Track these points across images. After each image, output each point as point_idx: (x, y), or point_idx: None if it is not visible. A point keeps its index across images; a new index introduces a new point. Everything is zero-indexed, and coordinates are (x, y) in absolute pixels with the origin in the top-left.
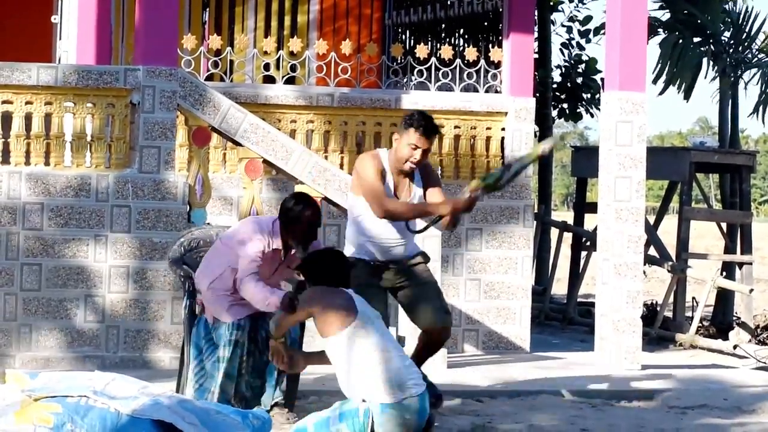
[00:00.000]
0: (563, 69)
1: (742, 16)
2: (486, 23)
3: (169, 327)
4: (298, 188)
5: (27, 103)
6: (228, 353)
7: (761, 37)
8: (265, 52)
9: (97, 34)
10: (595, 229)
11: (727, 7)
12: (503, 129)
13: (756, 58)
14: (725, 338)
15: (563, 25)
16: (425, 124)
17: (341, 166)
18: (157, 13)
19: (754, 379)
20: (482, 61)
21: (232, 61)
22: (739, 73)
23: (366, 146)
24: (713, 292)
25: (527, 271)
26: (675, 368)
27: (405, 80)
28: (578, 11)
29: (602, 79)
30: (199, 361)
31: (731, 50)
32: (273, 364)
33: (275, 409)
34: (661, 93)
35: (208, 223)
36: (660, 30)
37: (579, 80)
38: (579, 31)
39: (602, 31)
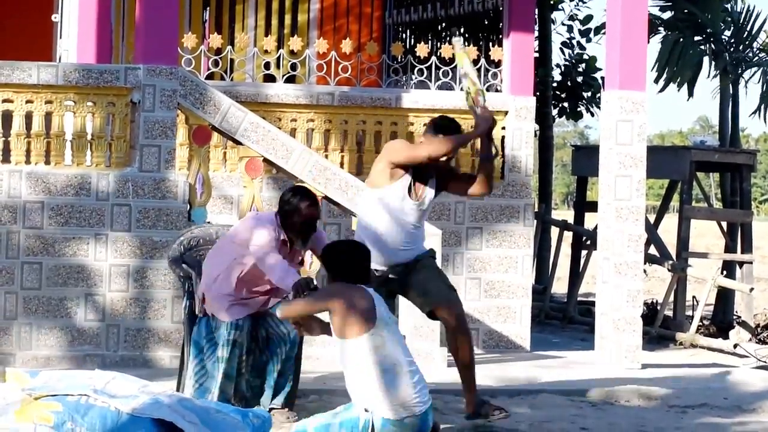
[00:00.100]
0: (563, 68)
1: (742, 15)
2: (486, 22)
3: (169, 326)
4: None
5: (27, 101)
6: (226, 353)
7: (762, 36)
8: (266, 51)
9: (98, 32)
10: (596, 228)
11: (728, 6)
12: (503, 128)
13: (757, 57)
14: (725, 337)
15: (564, 24)
16: (455, 131)
17: (341, 164)
18: (157, 11)
19: (754, 378)
20: (483, 60)
21: (232, 60)
22: (740, 72)
23: (366, 145)
24: (713, 291)
25: (527, 270)
26: (675, 367)
27: (405, 79)
28: (579, 10)
29: (602, 78)
30: (200, 360)
31: (732, 49)
32: (272, 367)
33: (275, 409)
34: (661, 91)
35: (209, 222)
36: (660, 29)
37: (579, 79)
38: (579, 30)
39: (603, 31)
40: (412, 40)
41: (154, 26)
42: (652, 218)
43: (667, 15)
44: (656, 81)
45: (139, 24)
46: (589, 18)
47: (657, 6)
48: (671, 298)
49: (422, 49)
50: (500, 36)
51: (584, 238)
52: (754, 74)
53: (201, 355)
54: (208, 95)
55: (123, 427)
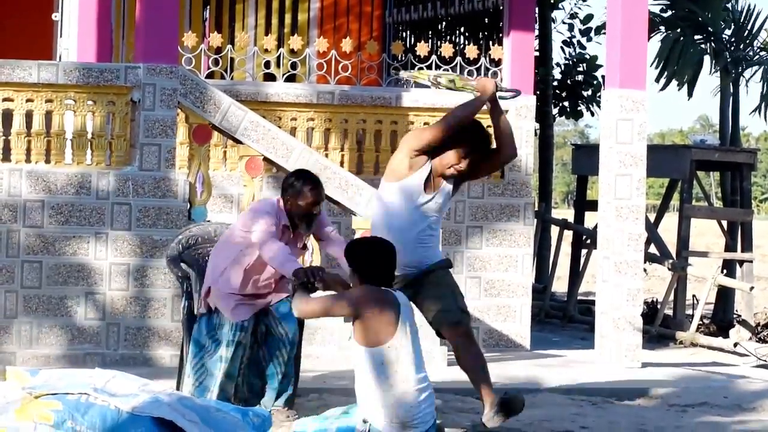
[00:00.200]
0: (564, 67)
1: (743, 14)
2: (486, 21)
3: (169, 324)
4: None
5: (28, 100)
6: (230, 354)
7: (762, 34)
8: (266, 50)
9: (98, 31)
10: (596, 227)
11: (728, 5)
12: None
13: (757, 56)
14: (726, 336)
15: (564, 23)
16: (482, 136)
17: (341, 163)
18: (157, 10)
19: (754, 376)
20: (483, 59)
21: (232, 59)
22: (740, 70)
23: (366, 144)
24: (714, 289)
25: (527, 269)
26: (675, 366)
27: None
28: (579, 8)
29: (603, 77)
30: (200, 358)
31: (732, 48)
32: (273, 369)
33: (276, 408)
34: (662, 89)
35: (208, 221)
36: (661, 27)
37: (580, 78)
38: (580, 29)
39: (603, 30)
40: (413, 39)
41: (155, 25)
42: (652, 217)
43: (667, 14)
44: (657, 80)
45: (139, 23)
46: (589, 17)
47: (657, 5)
48: (671, 297)
49: (422, 48)
50: (500, 35)
51: (584, 237)
52: (754, 73)
53: (201, 353)
54: (209, 94)
55: (123, 426)
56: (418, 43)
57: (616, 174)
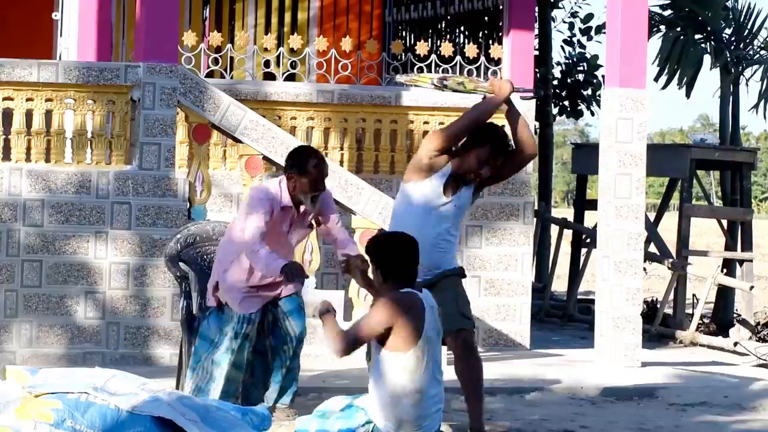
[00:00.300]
0: (564, 66)
1: (743, 13)
2: (486, 20)
3: (169, 324)
4: None
5: (28, 99)
6: (236, 345)
7: (763, 33)
8: (266, 49)
9: (98, 30)
10: (596, 226)
11: (728, 3)
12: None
13: (758, 55)
14: (726, 335)
15: (564, 22)
16: (502, 139)
17: (341, 162)
18: (157, 10)
19: (754, 376)
20: (482, 58)
21: (232, 58)
22: (741, 69)
23: (366, 143)
24: (714, 289)
25: (527, 268)
26: (675, 365)
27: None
28: (579, 7)
29: (603, 76)
30: (209, 354)
31: (732, 47)
32: (278, 363)
33: (281, 407)
34: (663, 88)
35: (207, 220)
36: (661, 26)
37: (580, 77)
38: (580, 29)
39: (604, 29)
40: (412, 38)
41: (154, 24)
42: (652, 216)
43: (667, 12)
44: (656, 79)
45: (139, 22)
46: (590, 16)
47: (658, 4)
48: (671, 297)
49: (422, 47)
50: (500, 34)
51: (584, 236)
52: (755, 72)
53: (210, 347)
54: (208, 93)
55: (122, 425)
56: (417, 42)
57: (615, 173)
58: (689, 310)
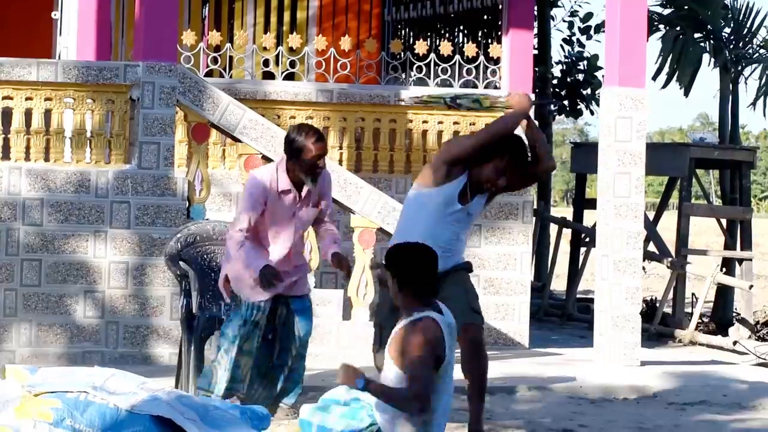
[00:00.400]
0: (563, 65)
1: (742, 12)
2: (486, 19)
3: (168, 323)
4: None
5: (27, 98)
6: (245, 331)
7: (762, 32)
8: (265, 48)
9: (97, 30)
10: (595, 225)
11: (727, 2)
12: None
13: (757, 54)
14: (725, 334)
15: (564, 21)
16: (521, 151)
17: (340, 162)
18: (156, 9)
19: (753, 375)
20: (481, 57)
21: (231, 57)
22: (740, 68)
23: (365, 142)
24: (713, 288)
25: (526, 268)
26: (674, 364)
27: (404, 76)
28: (579, 6)
29: (603, 76)
30: (238, 350)
31: (732, 46)
32: (284, 359)
33: (280, 406)
34: (663, 87)
35: (207, 219)
36: (660, 25)
37: (579, 76)
38: (579, 28)
39: (603, 29)
40: (411, 37)
41: (154, 23)
42: (651, 215)
43: (667, 12)
44: (655, 78)
45: (138, 21)
46: (589, 15)
47: (657, 3)
48: (670, 296)
49: (421, 46)
50: (499, 33)
51: (583, 235)
52: (754, 71)
53: (235, 342)
54: (207, 92)
55: (122, 424)
56: (417, 42)
57: (615, 172)
58: (688, 309)
